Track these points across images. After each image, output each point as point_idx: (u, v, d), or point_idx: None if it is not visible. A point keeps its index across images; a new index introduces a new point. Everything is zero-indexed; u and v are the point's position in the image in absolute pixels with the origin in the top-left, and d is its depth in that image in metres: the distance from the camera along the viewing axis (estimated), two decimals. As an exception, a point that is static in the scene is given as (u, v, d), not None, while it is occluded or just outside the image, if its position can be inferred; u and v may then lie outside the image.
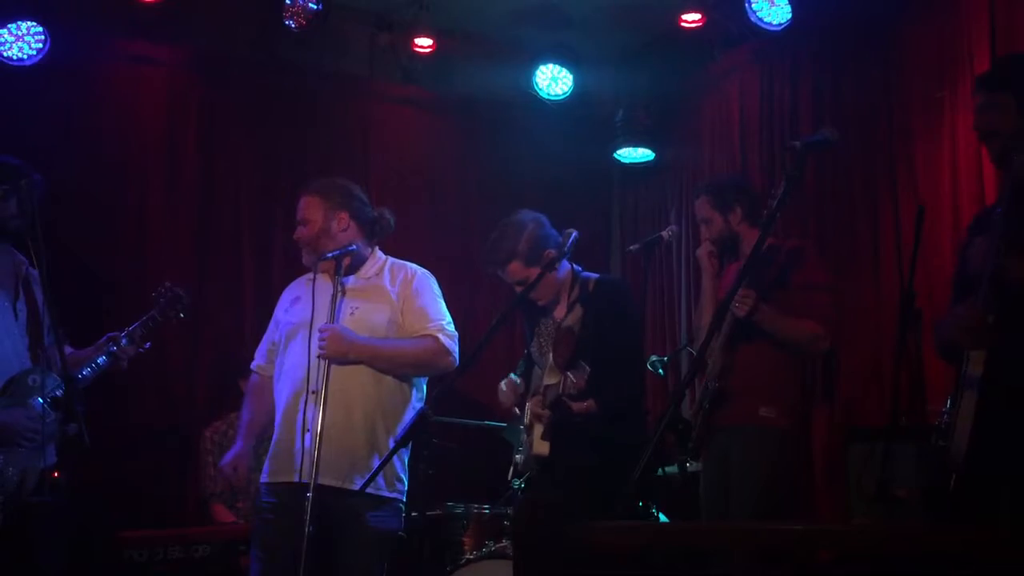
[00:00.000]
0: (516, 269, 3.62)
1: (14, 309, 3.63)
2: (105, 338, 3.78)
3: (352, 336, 3.37)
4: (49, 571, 3.47)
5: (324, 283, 3.49)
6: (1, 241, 3.64)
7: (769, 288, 3.73)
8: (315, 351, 3.34)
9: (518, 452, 3.76)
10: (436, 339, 3.46)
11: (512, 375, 3.79)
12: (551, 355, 3.58)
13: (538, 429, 3.56)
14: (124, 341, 3.76)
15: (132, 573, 4.03)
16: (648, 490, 3.97)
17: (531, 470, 3.65)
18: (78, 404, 3.44)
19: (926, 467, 2.82)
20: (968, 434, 2.67)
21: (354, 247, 3.50)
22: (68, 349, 3.80)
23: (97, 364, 3.72)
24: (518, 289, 3.63)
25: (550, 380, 3.54)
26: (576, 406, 3.47)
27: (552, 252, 3.59)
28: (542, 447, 3.55)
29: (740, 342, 3.71)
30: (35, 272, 3.65)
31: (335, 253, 3.47)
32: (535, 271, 3.56)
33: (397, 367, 3.45)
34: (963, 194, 4.51)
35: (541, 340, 3.73)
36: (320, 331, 3.35)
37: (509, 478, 3.88)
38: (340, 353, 3.34)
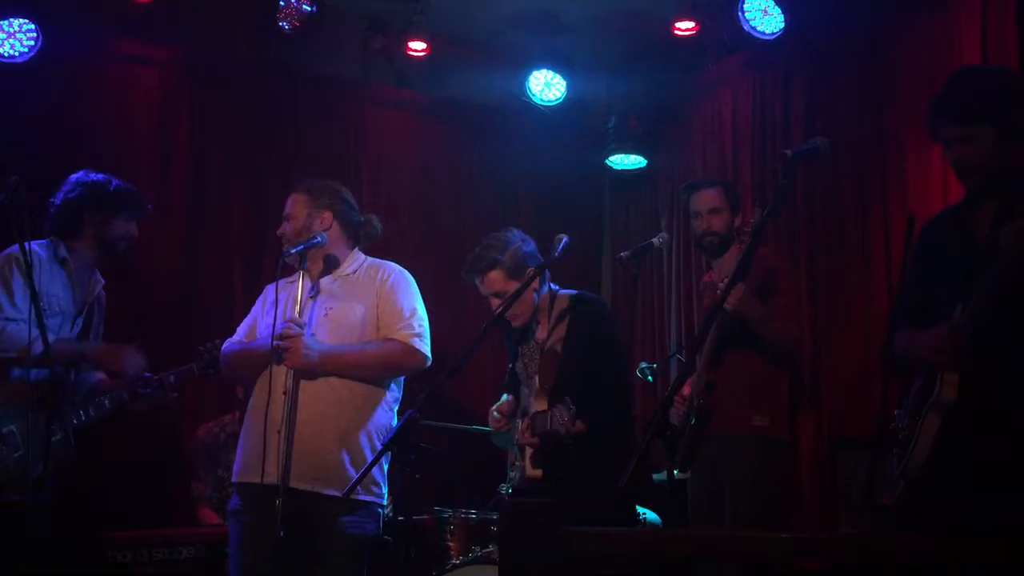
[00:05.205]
0: (496, 278, 3.61)
1: (72, 323, 3.66)
2: (138, 377, 3.80)
3: (316, 347, 3.33)
4: (34, 570, 3.45)
5: (304, 283, 3.49)
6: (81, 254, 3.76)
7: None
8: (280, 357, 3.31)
9: (512, 468, 3.74)
10: (403, 342, 3.42)
11: (504, 396, 3.78)
12: (536, 379, 3.57)
13: (529, 454, 3.55)
14: (157, 386, 3.81)
15: (116, 574, 4.01)
16: (637, 495, 3.97)
17: (525, 488, 3.64)
18: (64, 405, 3.43)
19: (879, 472, 2.84)
20: (929, 450, 2.67)
21: (317, 239, 3.47)
22: (100, 374, 3.82)
23: (121, 398, 3.73)
24: (494, 302, 3.63)
25: (538, 405, 3.52)
26: (565, 425, 3.45)
27: (532, 271, 3.59)
28: (536, 473, 3.54)
29: (726, 355, 3.71)
30: (103, 293, 3.87)
31: (297, 249, 3.44)
32: (514, 285, 3.55)
33: (365, 373, 3.42)
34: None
35: (526, 360, 3.72)
36: (281, 338, 3.30)
37: (503, 490, 3.88)
38: (303, 365, 3.31)
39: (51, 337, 3.24)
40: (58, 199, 3.83)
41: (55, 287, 3.64)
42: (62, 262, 3.70)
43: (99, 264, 3.86)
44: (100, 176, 3.88)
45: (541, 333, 3.68)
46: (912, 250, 2.99)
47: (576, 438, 3.40)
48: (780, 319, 3.81)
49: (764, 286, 3.81)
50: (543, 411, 3.44)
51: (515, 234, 3.69)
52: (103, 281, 3.86)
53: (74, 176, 3.89)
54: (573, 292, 3.71)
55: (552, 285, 3.70)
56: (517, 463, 3.69)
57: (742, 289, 3.63)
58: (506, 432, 3.75)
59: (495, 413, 3.73)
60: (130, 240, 3.90)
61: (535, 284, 3.56)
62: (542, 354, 3.61)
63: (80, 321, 3.72)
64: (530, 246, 3.68)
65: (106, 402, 3.72)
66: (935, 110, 2.88)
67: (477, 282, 3.67)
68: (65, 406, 3.50)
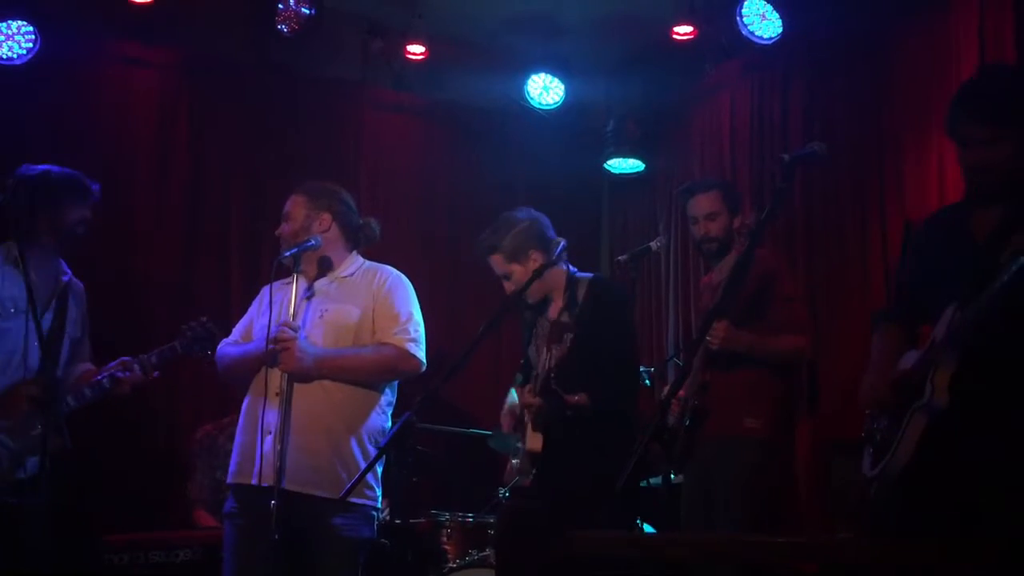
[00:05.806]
0: (497, 261, 3.71)
1: (40, 318, 3.62)
2: (116, 362, 3.74)
3: (311, 351, 3.32)
4: (31, 572, 3.44)
5: (300, 285, 3.47)
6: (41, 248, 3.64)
7: (746, 309, 3.72)
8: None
9: (515, 457, 3.75)
10: (398, 347, 3.41)
11: (512, 393, 3.79)
12: (545, 349, 3.59)
13: (531, 425, 3.57)
14: (136, 368, 3.71)
15: (112, 576, 4.01)
16: (633, 500, 3.97)
17: (526, 472, 3.64)
18: (60, 405, 3.41)
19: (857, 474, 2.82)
20: (911, 452, 2.61)
21: (312, 242, 3.46)
22: (88, 365, 3.79)
23: (101, 385, 3.68)
24: (505, 283, 3.67)
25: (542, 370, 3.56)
26: (568, 397, 3.46)
27: (539, 253, 3.63)
28: (535, 441, 3.55)
29: (721, 358, 3.70)
30: (79, 284, 3.73)
31: (292, 251, 3.43)
32: (516, 267, 3.65)
33: (360, 377, 3.40)
34: (950, 209, 4.53)
35: (538, 341, 3.73)
36: (275, 341, 3.28)
37: (504, 482, 3.88)
38: (298, 369, 3.29)
39: (17, 335, 3.21)
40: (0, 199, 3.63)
41: (8, 288, 3.59)
42: (14, 262, 3.63)
43: (62, 254, 3.73)
44: (39, 168, 3.71)
45: (554, 312, 3.71)
46: (910, 247, 2.97)
47: (578, 410, 3.43)
48: (781, 331, 3.79)
49: (762, 293, 3.79)
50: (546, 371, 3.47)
51: (521, 214, 3.74)
52: (69, 272, 3.75)
53: (17, 172, 3.69)
54: (589, 275, 3.76)
55: (571, 267, 3.72)
56: (518, 451, 3.71)
57: (724, 327, 3.62)
58: (499, 433, 3.77)
59: (505, 410, 3.77)
60: (88, 223, 3.73)
61: (536, 266, 3.62)
62: (552, 326, 3.66)
63: (49, 316, 3.67)
64: (539, 226, 3.72)
65: (87, 391, 3.67)
66: (960, 107, 2.70)
67: (487, 260, 3.76)
68: (58, 403, 3.47)
